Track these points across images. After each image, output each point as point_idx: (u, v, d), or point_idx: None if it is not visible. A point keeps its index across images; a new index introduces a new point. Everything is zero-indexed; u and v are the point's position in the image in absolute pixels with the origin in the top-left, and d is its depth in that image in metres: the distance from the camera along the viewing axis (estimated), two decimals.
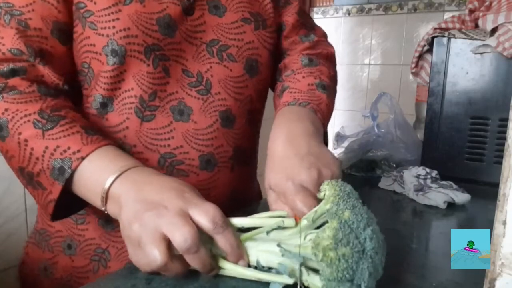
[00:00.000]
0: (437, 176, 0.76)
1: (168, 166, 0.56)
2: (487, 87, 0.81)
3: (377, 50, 2.23)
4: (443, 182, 0.74)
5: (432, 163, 0.82)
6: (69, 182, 0.46)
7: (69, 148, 0.46)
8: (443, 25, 0.91)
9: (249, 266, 0.41)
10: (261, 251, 0.41)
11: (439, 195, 0.68)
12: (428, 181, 0.74)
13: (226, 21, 0.59)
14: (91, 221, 0.58)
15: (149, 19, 0.53)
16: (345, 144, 0.97)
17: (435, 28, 0.90)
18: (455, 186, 0.72)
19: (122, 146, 0.55)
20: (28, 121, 0.47)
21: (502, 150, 0.29)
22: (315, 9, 2.39)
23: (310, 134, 0.52)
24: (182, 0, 0.56)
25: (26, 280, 0.63)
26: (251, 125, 0.65)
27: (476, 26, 0.87)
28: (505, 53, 0.76)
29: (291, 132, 0.52)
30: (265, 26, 0.63)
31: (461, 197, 0.68)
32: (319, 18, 2.39)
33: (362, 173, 0.90)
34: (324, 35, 0.74)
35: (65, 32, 0.53)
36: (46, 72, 0.52)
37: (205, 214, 0.39)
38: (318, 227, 0.40)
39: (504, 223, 0.29)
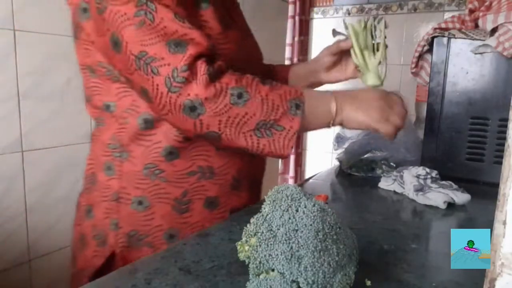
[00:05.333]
0: (437, 176, 0.76)
1: None
2: (487, 87, 0.81)
3: None
4: (443, 182, 0.74)
5: (432, 163, 0.82)
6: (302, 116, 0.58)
7: (290, 91, 0.59)
8: (443, 25, 0.91)
9: None
10: None
11: (439, 195, 0.68)
12: (428, 181, 0.73)
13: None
14: (195, 207, 0.64)
15: None
16: (346, 145, 0.97)
17: (435, 28, 0.90)
18: (455, 186, 0.72)
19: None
20: (258, 82, 0.58)
21: (502, 150, 0.29)
22: (315, 9, 2.39)
23: None
24: None
25: (79, 218, 0.68)
26: None
27: (476, 26, 0.87)
28: (505, 53, 0.76)
29: None
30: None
31: (461, 197, 0.68)
32: (319, 18, 2.39)
33: (362, 173, 0.90)
34: None
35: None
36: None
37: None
38: None
39: (504, 223, 0.29)
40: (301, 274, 0.35)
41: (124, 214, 0.62)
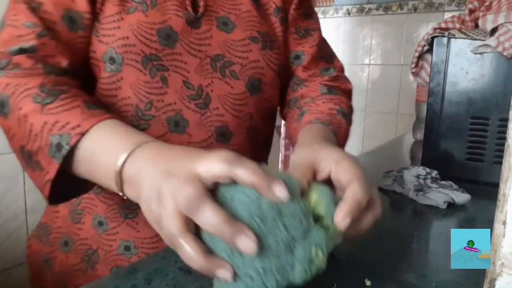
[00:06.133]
0: (437, 176, 0.76)
1: None
2: (487, 87, 0.81)
3: (377, 50, 2.24)
4: (443, 182, 0.74)
5: (432, 163, 0.82)
6: (69, 161, 0.43)
7: (68, 123, 0.42)
8: (443, 25, 0.91)
9: None
10: None
11: (439, 195, 0.68)
12: (428, 181, 0.73)
13: (234, 37, 0.59)
14: (86, 221, 0.59)
15: (149, 29, 0.53)
16: None
17: (435, 28, 0.90)
18: (455, 186, 0.72)
19: None
20: (28, 95, 0.44)
21: (502, 150, 0.29)
22: (315, 9, 2.39)
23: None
24: (186, 13, 0.56)
25: (33, 270, 0.65)
26: (252, 141, 0.64)
27: (476, 26, 0.87)
28: (505, 53, 0.76)
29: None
30: (272, 47, 0.63)
31: (461, 197, 0.68)
32: (319, 18, 2.39)
33: None
34: (342, 69, 0.74)
35: (75, 20, 0.52)
36: (56, 52, 0.50)
37: (214, 161, 0.33)
38: None
39: (504, 223, 0.29)
40: (249, 265, 0.32)
41: None
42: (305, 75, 0.69)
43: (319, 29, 0.72)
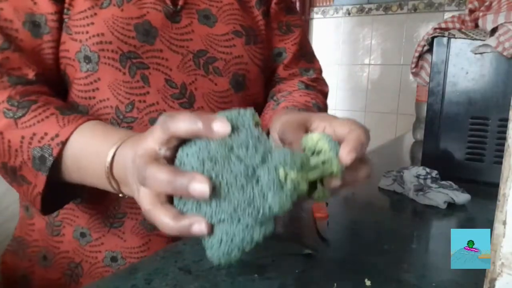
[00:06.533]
0: (437, 176, 0.76)
1: None
2: (487, 87, 0.81)
3: (377, 50, 2.24)
4: (443, 182, 0.74)
5: (432, 163, 0.82)
6: (57, 170, 0.43)
7: (46, 134, 0.42)
8: (443, 25, 0.91)
9: None
10: None
11: (439, 195, 0.68)
12: (428, 181, 0.73)
13: (216, 32, 0.57)
14: (66, 233, 0.56)
15: (126, 25, 0.50)
16: None
17: (435, 28, 0.90)
18: (455, 186, 0.72)
19: None
20: (2, 111, 0.43)
21: (502, 150, 0.29)
22: (315, 9, 2.39)
23: None
24: (165, 6, 0.53)
25: (8, 287, 0.61)
26: None
27: (476, 26, 0.87)
28: (505, 53, 0.76)
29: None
30: (256, 41, 0.61)
31: (461, 197, 0.68)
32: (319, 18, 2.39)
33: None
34: (321, 71, 0.74)
35: (39, 24, 0.49)
36: (21, 64, 0.48)
37: (155, 129, 0.33)
38: None
39: (504, 223, 0.29)
40: (218, 211, 0.31)
41: None
42: (286, 73, 0.69)
43: (301, 26, 0.71)
